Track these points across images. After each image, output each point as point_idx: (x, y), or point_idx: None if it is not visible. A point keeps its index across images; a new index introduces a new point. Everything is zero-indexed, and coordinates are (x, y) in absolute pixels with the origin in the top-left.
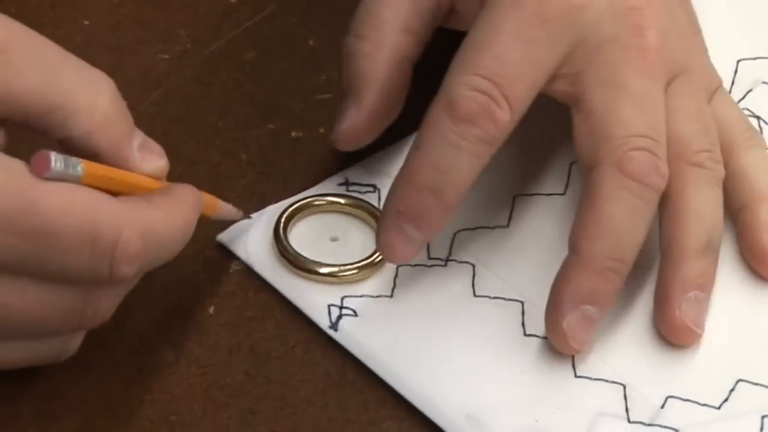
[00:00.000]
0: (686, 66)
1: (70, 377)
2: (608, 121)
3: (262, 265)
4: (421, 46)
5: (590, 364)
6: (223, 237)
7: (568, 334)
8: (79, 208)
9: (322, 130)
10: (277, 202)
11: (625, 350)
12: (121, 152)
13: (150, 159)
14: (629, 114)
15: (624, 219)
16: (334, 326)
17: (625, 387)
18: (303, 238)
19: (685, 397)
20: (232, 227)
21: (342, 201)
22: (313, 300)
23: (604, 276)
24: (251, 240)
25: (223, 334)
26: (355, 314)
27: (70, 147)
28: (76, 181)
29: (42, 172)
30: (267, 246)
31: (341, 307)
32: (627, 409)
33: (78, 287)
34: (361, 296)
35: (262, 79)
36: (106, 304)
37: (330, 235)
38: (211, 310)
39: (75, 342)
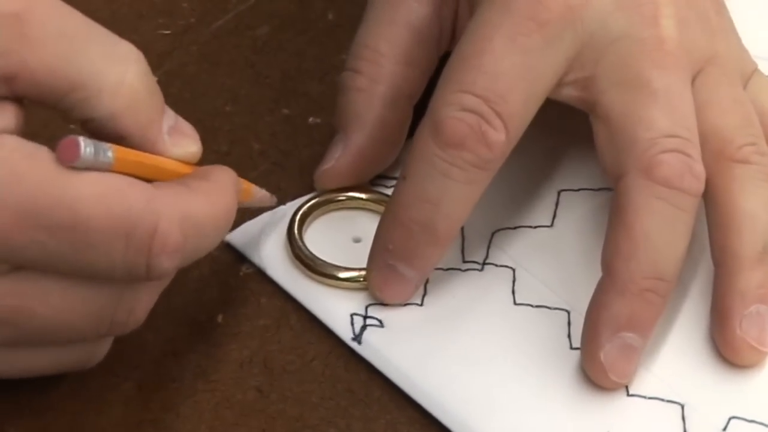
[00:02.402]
0: (713, 53)
1: (62, 393)
2: (629, 123)
3: (277, 268)
4: (424, 79)
5: (644, 381)
6: (232, 237)
7: (607, 366)
8: (112, 198)
9: None
10: (292, 197)
11: (682, 365)
12: (149, 136)
13: (181, 143)
14: (652, 113)
15: (660, 232)
16: (357, 338)
17: (683, 407)
18: (321, 238)
19: (750, 418)
20: (242, 226)
21: (364, 197)
22: (334, 308)
23: (644, 298)
24: (264, 240)
25: (233, 346)
26: (381, 325)
27: (92, 129)
28: (106, 168)
29: (70, 161)
30: (281, 247)
31: (365, 317)
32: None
33: (108, 288)
34: (387, 304)
35: (275, 58)
36: (140, 306)
37: (352, 235)
38: (220, 318)
39: (103, 348)
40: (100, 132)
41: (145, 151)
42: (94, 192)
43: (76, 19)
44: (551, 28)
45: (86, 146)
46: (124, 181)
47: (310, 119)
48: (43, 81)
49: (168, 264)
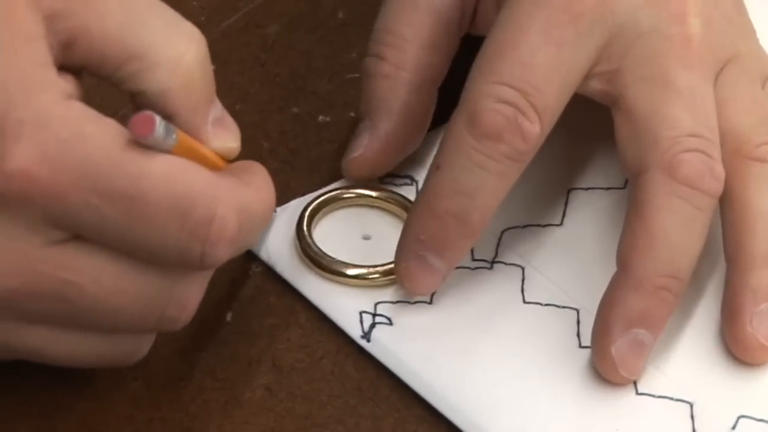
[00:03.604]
0: (735, 52)
1: (71, 392)
2: (653, 120)
3: (285, 266)
4: (447, 63)
5: (653, 380)
6: None
7: (618, 361)
8: (174, 177)
9: (352, 114)
10: (301, 195)
11: (691, 363)
12: (194, 120)
13: (223, 136)
14: (676, 111)
15: (678, 231)
16: (366, 336)
17: (692, 405)
18: (330, 235)
19: (759, 417)
20: None
21: (374, 194)
22: (343, 306)
23: (658, 296)
24: (273, 238)
25: (242, 344)
26: (390, 322)
27: (140, 103)
28: (168, 149)
29: (144, 135)
30: (290, 245)
31: (374, 315)
32: (694, 431)
33: (162, 275)
34: (397, 302)
35: (285, 57)
36: (191, 302)
37: (361, 233)
38: (229, 317)
39: (145, 345)
40: (147, 107)
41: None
42: (158, 168)
43: None
44: (584, 20)
45: (159, 125)
46: (188, 164)
47: (320, 118)
48: (100, 48)
49: (222, 252)
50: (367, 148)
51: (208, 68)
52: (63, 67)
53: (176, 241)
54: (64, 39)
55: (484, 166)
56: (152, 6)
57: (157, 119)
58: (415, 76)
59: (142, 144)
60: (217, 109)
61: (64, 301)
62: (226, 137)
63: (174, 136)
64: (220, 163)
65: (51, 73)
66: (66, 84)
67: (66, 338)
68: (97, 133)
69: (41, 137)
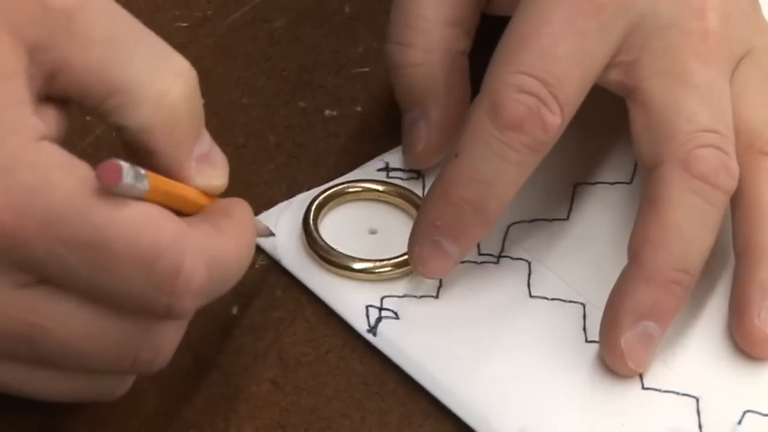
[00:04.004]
0: (750, 48)
1: None
2: (670, 114)
3: (292, 260)
4: (472, 35)
5: (659, 375)
6: None
7: (627, 353)
8: (140, 227)
9: (358, 108)
10: (308, 188)
11: (697, 358)
12: (177, 158)
13: (207, 174)
14: (693, 106)
15: (691, 225)
16: (372, 330)
17: (698, 400)
18: (336, 229)
19: (765, 412)
20: (257, 218)
21: (380, 188)
22: (349, 300)
23: (668, 289)
24: (279, 232)
25: (248, 338)
26: (396, 316)
27: (124, 137)
28: (139, 195)
29: (111, 184)
30: (296, 238)
31: (381, 309)
32: (700, 425)
33: (133, 321)
34: (403, 296)
35: (291, 51)
36: (166, 345)
37: (367, 227)
38: (234, 310)
39: (125, 384)
40: (130, 142)
41: (169, 172)
42: (124, 217)
43: (129, 26)
44: (607, 12)
45: (127, 173)
46: (157, 212)
47: (326, 112)
48: (83, 81)
49: (190, 304)
50: (428, 138)
51: (196, 103)
52: (49, 98)
53: (141, 292)
54: (47, 71)
55: (503, 156)
56: (140, 38)
57: (125, 167)
58: (446, 55)
59: (110, 191)
60: (205, 144)
61: (33, 343)
62: (211, 175)
63: (145, 181)
64: (203, 200)
65: (24, 113)
66: (40, 123)
67: (40, 376)
68: (63, 180)
69: (5, 184)
